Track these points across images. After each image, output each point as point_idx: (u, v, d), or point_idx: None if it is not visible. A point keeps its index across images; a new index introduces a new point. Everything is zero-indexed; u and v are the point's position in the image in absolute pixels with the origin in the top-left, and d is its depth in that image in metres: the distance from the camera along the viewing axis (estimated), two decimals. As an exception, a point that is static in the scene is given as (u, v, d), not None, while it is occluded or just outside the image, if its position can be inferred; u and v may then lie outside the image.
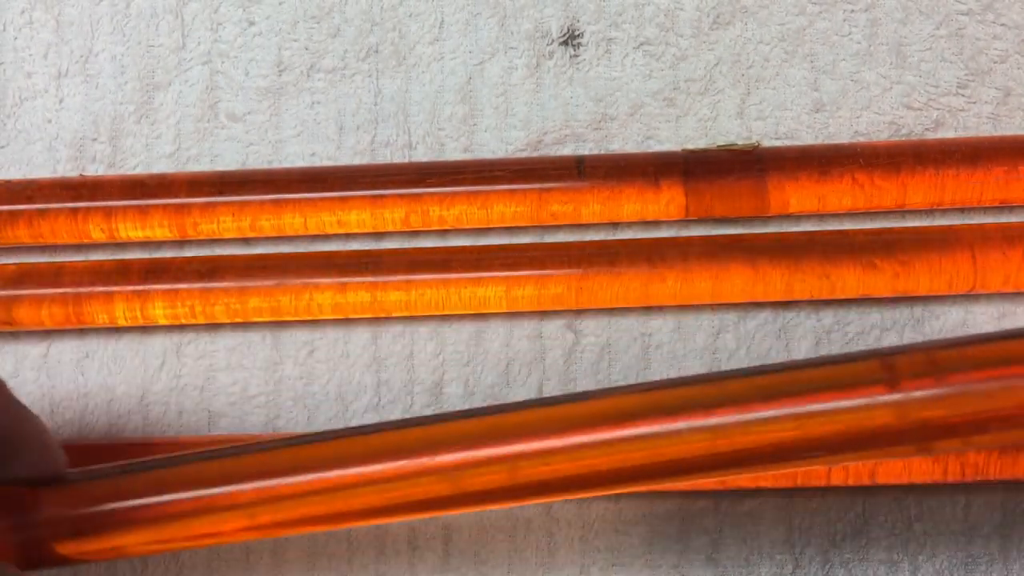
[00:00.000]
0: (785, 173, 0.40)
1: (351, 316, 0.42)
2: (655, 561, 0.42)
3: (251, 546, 0.43)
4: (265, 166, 0.44)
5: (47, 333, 0.44)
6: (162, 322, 0.42)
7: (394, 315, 0.42)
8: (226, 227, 0.42)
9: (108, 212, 0.42)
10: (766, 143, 0.42)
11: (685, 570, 0.42)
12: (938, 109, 0.42)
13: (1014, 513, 0.41)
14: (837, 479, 0.40)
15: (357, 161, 0.44)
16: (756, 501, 0.42)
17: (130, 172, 0.44)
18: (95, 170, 0.44)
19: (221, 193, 0.42)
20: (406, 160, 0.43)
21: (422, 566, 0.42)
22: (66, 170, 0.44)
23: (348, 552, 0.43)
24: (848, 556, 0.41)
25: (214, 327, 0.44)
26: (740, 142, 0.41)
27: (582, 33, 0.43)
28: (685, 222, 0.43)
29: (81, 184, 0.43)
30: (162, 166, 0.44)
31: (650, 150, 0.43)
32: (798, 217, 0.42)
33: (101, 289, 0.42)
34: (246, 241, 0.44)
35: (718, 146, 0.41)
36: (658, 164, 0.41)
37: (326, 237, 0.43)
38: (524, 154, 0.43)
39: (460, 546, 0.42)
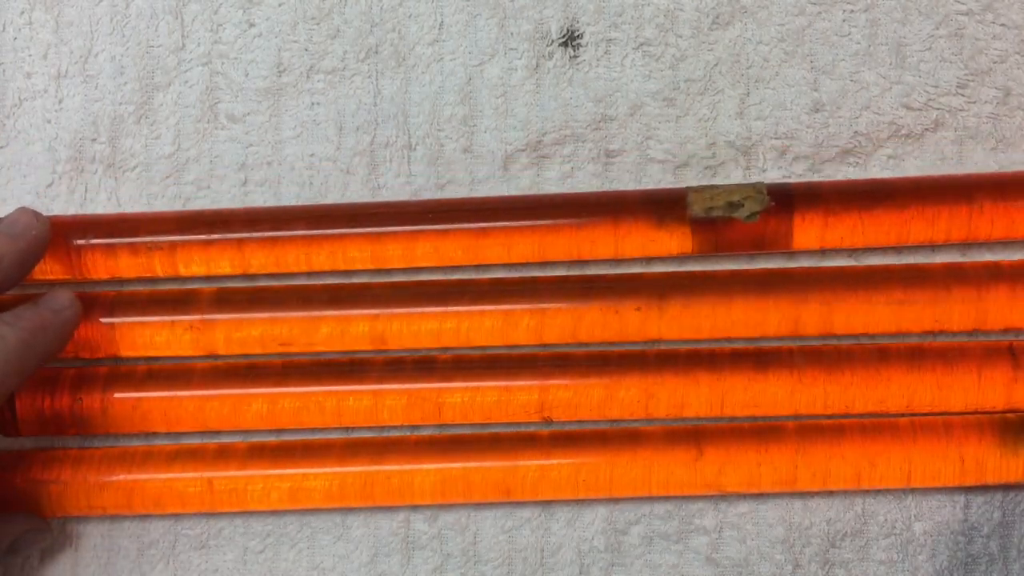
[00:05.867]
0: (790, 216, 0.40)
1: (351, 348, 0.42)
2: (655, 561, 0.42)
3: (249, 546, 0.43)
4: (265, 167, 0.44)
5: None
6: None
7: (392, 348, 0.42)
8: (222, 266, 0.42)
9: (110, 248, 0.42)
10: (766, 143, 0.42)
11: (685, 570, 0.42)
12: (938, 109, 0.42)
13: (1014, 513, 0.41)
14: (836, 481, 0.40)
15: (356, 161, 0.43)
16: (756, 501, 0.42)
17: (130, 171, 0.44)
18: (94, 170, 0.44)
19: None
20: (405, 161, 0.43)
21: (422, 566, 0.42)
22: (65, 170, 0.44)
23: (345, 551, 0.43)
24: (848, 556, 0.41)
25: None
26: (745, 199, 0.40)
27: (582, 34, 0.43)
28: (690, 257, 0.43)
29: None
30: (161, 167, 0.44)
31: (649, 157, 0.43)
32: (802, 253, 0.42)
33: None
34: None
35: (725, 202, 0.40)
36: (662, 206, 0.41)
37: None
38: (524, 154, 0.43)
39: (460, 546, 0.42)
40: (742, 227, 0.40)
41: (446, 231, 0.41)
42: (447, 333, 0.41)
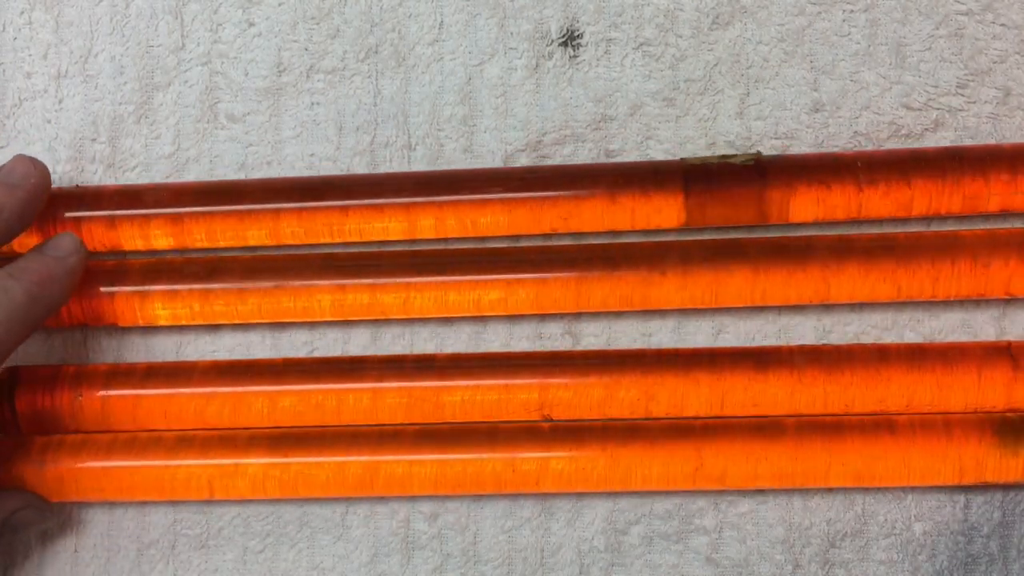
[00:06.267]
0: (786, 183, 0.40)
1: (350, 318, 0.42)
2: (655, 561, 0.42)
3: (249, 546, 0.43)
4: (265, 167, 0.44)
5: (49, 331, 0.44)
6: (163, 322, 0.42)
7: (393, 317, 0.42)
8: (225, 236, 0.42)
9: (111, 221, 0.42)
10: (766, 143, 0.42)
11: (685, 570, 0.42)
12: (938, 109, 0.42)
13: (1014, 513, 0.41)
14: (836, 480, 0.40)
15: (356, 161, 0.44)
16: (756, 501, 0.42)
17: (130, 171, 0.44)
18: (94, 170, 0.44)
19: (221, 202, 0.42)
20: (405, 161, 0.43)
21: (421, 566, 0.42)
22: (65, 170, 0.44)
23: (345, 551, 0.43)
24: (848, 556, 0.41)
25: (214, 328, 0.44)
26: (740, 155, 0.41)
27: (582, 34, 0.43)
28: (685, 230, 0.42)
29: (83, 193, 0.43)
30: (161, 167, 0.44)
31: (648, 157, 0.43)
32: (799, 226, 0.42)
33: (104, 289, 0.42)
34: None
35: (719, 157, 0.41)
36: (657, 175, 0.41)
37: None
38: (524, 154, 0.43)
39: (460, 546, 0.42)
40: (737, 199, 0.40)
41: (442, 203, 0.41)
42: (449, 304, 0.41)
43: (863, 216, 0.40)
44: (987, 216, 0.41)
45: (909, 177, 0.40)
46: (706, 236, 0.42)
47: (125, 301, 0.42)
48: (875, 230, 0.42)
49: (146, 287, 0.42)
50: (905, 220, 0.42)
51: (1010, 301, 0.42)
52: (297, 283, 0.41)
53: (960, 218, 0.42)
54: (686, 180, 0.40)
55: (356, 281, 0.41)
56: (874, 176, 0.40)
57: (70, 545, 0.43)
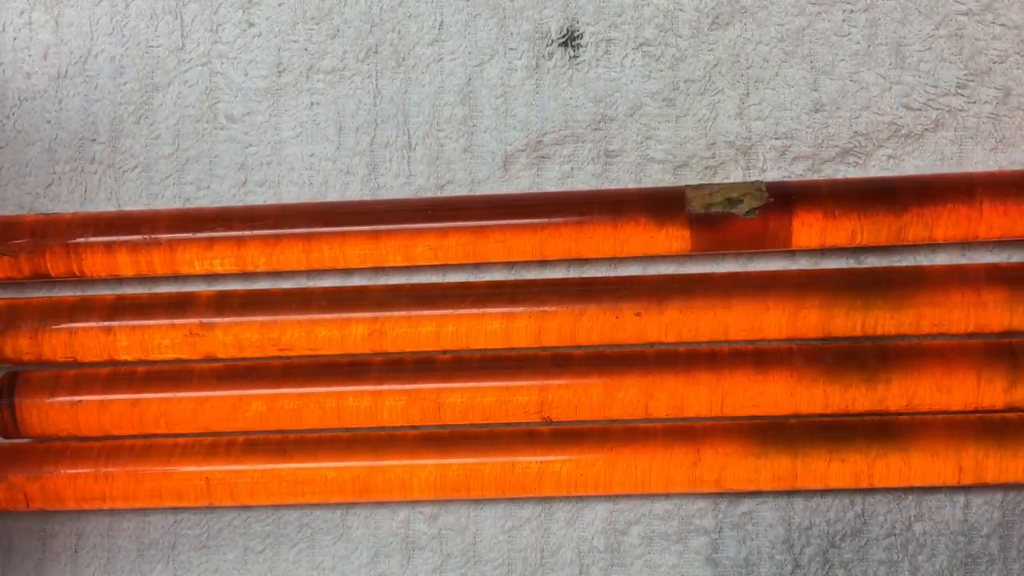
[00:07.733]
0: (792, 211, 0.40)
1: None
2: (655, 561, 0.42)
3: (249, 546, 0.43)
4: (265, 167, 0.44)
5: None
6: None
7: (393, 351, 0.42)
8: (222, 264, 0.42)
9: (108, 247, 0.42)
10: (766, 143, 0.42)
11: (685, 570, 0.42)
12: (937, 109, 0.42)
13: (1013, 513, 0.41)
14: (836, 481, 0.40)
15: (356, 161, 0.44)
16: (755, 501, 0.42)
17: (129, 171, 0.44)
18: (94, 170, 0.44)
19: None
20: (405, 161, 0.43)
21: (421, 566, 0.42)
22: (65, 170, 0.44)
23: (345, 551, 0.43)
24: (848, 556, 0.41)
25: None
26: (742, 188, 0.40)
27: (581, 34, 0.43)
28: (690, 256, 0.43)
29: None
30: (161, 167, 0.44)
31: (648, 157, 0.43)
32: (805, 252, 0.42)
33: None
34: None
35: (723, 198, 0.40)
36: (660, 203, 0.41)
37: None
38: (523, 154, 0.43)
39: (460, 546, 0.42)
40: (741, 226, 0.40)
41: (445, 229, 0.41)
42: (446, 336, 0.41)
43: (866, 243, 0.40)
44: (990, 244, 0.42)
45: (910, 204, 0.40)
46: (707, 266, 0.42)
47: (124, 337, 0.42)
48: (877, 257, 0.42)
49: (145, 322, 0.42)
50: (909, 247, 0.42)
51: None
52: (298, 317, 0.42)
53: (963, 244, 0.42)
54: (692, 220, 0.40)
55: (356, 315, 0.42)
56: (875, 203, 0.40)
57: (70, 545, 0.43)
